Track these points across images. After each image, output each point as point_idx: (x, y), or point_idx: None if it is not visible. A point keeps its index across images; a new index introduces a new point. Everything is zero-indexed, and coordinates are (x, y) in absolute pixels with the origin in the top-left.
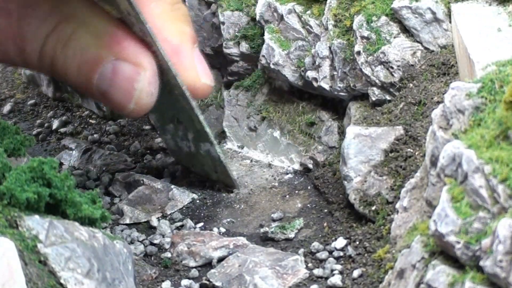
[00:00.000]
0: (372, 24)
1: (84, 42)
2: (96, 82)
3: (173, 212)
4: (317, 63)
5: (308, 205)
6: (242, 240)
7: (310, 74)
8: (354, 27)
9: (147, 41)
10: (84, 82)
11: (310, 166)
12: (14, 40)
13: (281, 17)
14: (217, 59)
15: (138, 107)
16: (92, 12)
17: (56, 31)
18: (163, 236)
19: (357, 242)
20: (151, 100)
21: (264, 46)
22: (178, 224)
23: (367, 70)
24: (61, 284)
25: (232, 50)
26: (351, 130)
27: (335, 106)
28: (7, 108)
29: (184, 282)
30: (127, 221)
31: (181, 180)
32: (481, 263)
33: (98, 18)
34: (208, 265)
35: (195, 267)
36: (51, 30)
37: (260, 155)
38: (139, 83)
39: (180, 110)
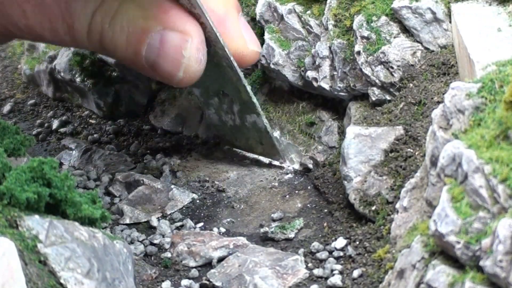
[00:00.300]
0: (372, 24)
1: (131, 14)
2: (145, 54)
3: (173, 212)
4: (317, 63)
5: (308, 205)
6: (242, 240)
7: (310, 74)
8: (354, 27)
9: (194, 13)
10: (133, 55)
11: (310, 166)
12: (63, 18)
13: (281, 17)
14: None
15: (187, 75)
16: None
17: (103, 6)
18: (163, 236)
19: (357, 242)
20: (200, 68)
21: (264, 46)
22: (178, 224)
23: (367, 70)
24: (61, 284)
25: None
26: (351, 130)
27: (335, 106)
28: (7, 108)
29: (184, 282)
30: (127, 221)
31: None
32: (481, 263)
33: None
34: (208, 265)
35: (195, 267)
36: (98, 5)
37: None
38: (187, 50)
39: (227, 82)
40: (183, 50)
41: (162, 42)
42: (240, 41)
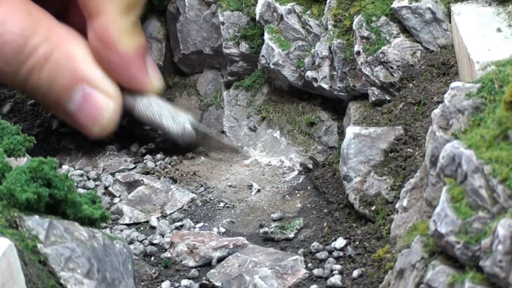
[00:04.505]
0: (371, 24)
1: (61, 65)
2: (65, 104)
3: (173, 212)
4: (316, 63)
5: (308, 205)
6: (242, 240)
7: (310, 74)
8: (354, 27)
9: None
10: (52, 102)
11: (310, 166)
12: None
13: (281, 17)
14: (216, 59)
15: (102, 132)
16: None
17: (36, 53)
18: (163, 236)
19: (357, 242)
20: (114, 126)
21: (264, 46)
22: (178, 224)
23: (366, 70)
24: (61, 284)
25: (232, 50)
26: (351, 130)
27: (335, 106)
28: (7, 108)
29: (184, 282)
30: (127, 221)
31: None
32: (481, 263)
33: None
34: (208, 265)
35: (195, 267)
36: (32, 52)
37: (260, 155)
38: (108, 113)
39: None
40: (105, 112)
41: (85, 99)
42: (146, 80)
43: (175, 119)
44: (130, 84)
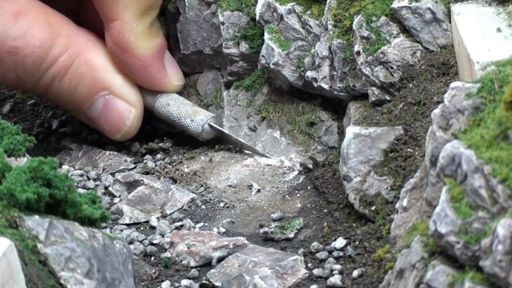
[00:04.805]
0: (371, 24)
1: (81, 75)
2: (87, 110)
3: (173, 212)
4: (316, 63)
5: (308, 205)
6: (242, 240)
7: (310, 74)
8: (354, 27)
9: None
10: (73, 108)
11: (310, 166)
12: (15, 70)
13: (281, 17)
14: (216, 59)
15: (125, 137)
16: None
17: (56, 65)
18: (163, 236)
19: (357, 242)
20: (136, 131)
21: (264, 46)
22: (178, 224)
23: (366, 70)
24: (61, 284)
25: (232, 50)
26: (351, 130)
27: (335, 106)
28: (7, 108)
29: (184, 282)
30: (127, 221)
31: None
32: (481, 263)
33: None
34: (208, 265)
35: (195, 267)
36: (52, 64)
37: (259, 155)
38: (130, 120)
39: None
40: (126, 120)
41: (106, 107)
42: (165, 80)
43: (194, 118)
44: (149, 85)
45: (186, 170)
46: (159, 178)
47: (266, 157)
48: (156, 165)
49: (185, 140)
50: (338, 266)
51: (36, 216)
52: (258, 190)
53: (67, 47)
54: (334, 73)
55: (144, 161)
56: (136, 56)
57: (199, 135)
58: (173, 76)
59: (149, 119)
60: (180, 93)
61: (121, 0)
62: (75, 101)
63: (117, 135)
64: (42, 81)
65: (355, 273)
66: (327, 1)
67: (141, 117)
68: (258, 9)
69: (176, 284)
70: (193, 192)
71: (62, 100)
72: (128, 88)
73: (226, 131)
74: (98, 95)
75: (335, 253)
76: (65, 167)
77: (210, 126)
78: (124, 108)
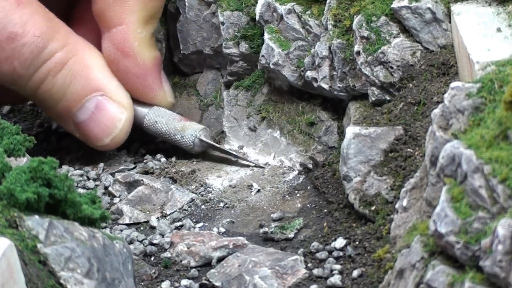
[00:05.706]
0: (371, 24)
1: (77, 71)
2: (76, 112)
3: (173, 212)
4: (316, 63)
5: (308, 205)
6: (241, 240)
7: (310, 74)
8: (354, 27)
9: None
10: (62, 109)
11: (310, 166)
12: (11, 60)
13: (281, 17)
14: (216, 59)
15: (114, 143)
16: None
17: (54, 58)
18: (163, 236)
19: (357, 242)
20: (126, 137)
21: (264, 46)
22: (178, 224)
23: (366, 70)
24: (60, 284)
25: (231, 50)
26: (351, 130)
27: (335, 106)
28: (7, 108)
29: (184, 282)
30: (127, 221)
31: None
32: (481, 263)
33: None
34: (207, 265)
35: (195, 267)
36: (50, 57)
37: (259, 155)
38: (121, 122)
39: None
40: (118, 122)
41: (98, 108)
42: (160, 93)
43: (183, 134)
44: (144, 95)
45: (186, 170)
46: (159, 178)
47: (260, 167)
48: (156, 165)
49: None
50: (338, 266)
51: (36, 216)
52: (258, 190)
53: (65, 43)
54: (334, 73)
55: (144, 161)
56: (137, 63)
57: (191, 149)
58: (168, 92)
59: None
60: (180, 93)
61: (126, 4)
62: (66, 100)
63: (106, 139)
64: (36, 75)
65: (355, 273)
66: (327, 1)
67: (132, 121)
68: (258, 9)
69: (176, 284)
70: (193, 192)
71: (52, 100)
72: (122, 91)
73: (216, 144)
74: (91, 95)
75: (335, 253)
76: (65, 167)
77: (200, 140)
78: (116, 110)
